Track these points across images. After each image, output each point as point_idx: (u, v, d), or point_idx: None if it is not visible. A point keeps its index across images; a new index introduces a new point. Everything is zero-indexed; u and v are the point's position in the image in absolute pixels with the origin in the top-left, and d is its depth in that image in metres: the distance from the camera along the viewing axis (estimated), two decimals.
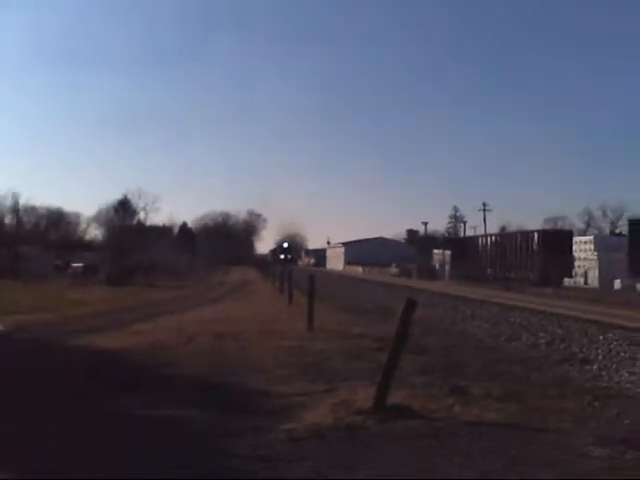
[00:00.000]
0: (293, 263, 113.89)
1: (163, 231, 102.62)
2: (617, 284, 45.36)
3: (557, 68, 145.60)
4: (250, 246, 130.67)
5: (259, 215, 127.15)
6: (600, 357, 10.34)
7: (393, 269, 74.14)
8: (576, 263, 51.70)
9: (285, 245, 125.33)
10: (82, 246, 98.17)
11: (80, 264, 65.71)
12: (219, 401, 8.50)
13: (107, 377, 10.16)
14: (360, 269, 77.37)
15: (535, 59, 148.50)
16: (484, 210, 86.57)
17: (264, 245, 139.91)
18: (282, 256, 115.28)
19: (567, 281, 47.64)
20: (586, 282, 52.03)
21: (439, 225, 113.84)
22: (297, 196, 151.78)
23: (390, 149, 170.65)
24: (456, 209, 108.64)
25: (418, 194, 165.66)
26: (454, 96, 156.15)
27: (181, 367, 10.89)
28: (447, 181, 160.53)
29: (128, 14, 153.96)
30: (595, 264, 53.31)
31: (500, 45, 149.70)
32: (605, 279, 48.80)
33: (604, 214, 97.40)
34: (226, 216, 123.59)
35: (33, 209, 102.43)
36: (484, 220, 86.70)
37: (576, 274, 51.40)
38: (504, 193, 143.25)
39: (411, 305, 7.56)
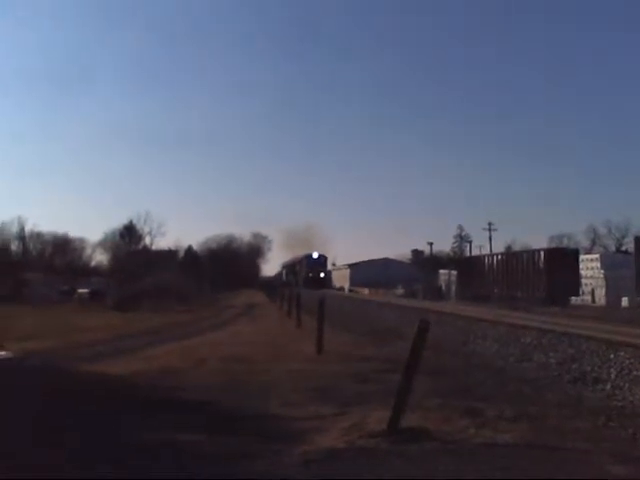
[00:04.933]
0: (323, 284, 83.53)
1: (169, 255, 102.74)
2: (624, 302, 45.17)
3: (556, 86, 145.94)
4: (256, 268, 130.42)
5: (264, 237, 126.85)
6: (613, 376, 10.31)
7: (399, 290, 74.03)
8: (583, 281, 51.53)
9: (315, 255, 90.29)
10: (88, 272, 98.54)
11: (86, 290, 65.85)
12: (232, 425, 8.50)
13: (118, 402, 10.16)
14: (366, 290, 77.31)
15: (533, 79, 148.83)
16: (489, 229, 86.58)
17: (270, 267, 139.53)
18: (310, 274, 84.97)
19: (574, 299, 47.44)
20: (593, 300, 51.81)
21: (444, 245, 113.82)
22: (301, 217, 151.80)
23: (394, 169, 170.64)
24: (461, 228, 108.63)
25: (423, 214, 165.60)
26: (459, 114, 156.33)
27: (192, 391, 10.88)
28: (452, 201, 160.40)
29: (135, 33, 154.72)
30: (602, 282, 53.10)
31: (503, 63, 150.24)
32: (612, 297, 48.60)
33: (609, 231, 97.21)
34: (231, 238, 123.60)
35: (39, 235, 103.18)
36: (490, 239, 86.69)
37: (583, 292, 51.21)
38: (508, 212, 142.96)
39: (424, 327, 7.54)
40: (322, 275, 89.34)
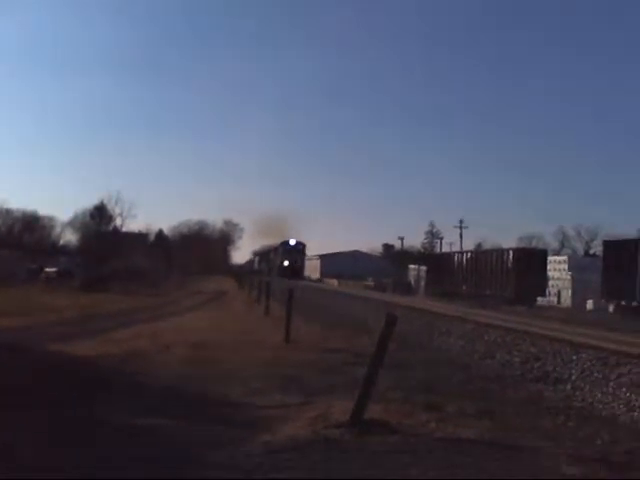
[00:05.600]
0: (300, 273, 78.56)
1: (139, 238, 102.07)
2: (590, 304, 45.80)
3: (539, 88, 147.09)
4: (226, 255, 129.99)
5: (236, 224, 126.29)
6: (574, 377, 10.49)
7: (368, 282, 74.27)
8: (550, 282, 52.14)
9: (292, 242, 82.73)
10: (56, 251, 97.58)
11: (54, 269, 65.21)
12: (196, 411, 8.53)
13: (82, 384, 10.14)
14: (336, 282, 77.37)
15: (514, 85, 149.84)
16: (460, 227, 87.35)
17: (240, 255, 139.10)
18: (286, 262, 79.21)
19: (540, 300, 47.99)
20: (559, 302, 52.49)
21: (415, 240, 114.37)
22: (274, 208, 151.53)
23: (368, 163, 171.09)
24: (432, 225, 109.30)
25: (395, 209, 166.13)
26: (433, 110, 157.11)
27: (157, 375, 10.89)
28: (424, 197, 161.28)
29: (109, 13, 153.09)
30: (568, 284, 53.84)
31: (480, 58, 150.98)
32: (578, 299, 49.27)
33: (578, 234, 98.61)
34: (202, 224, 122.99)
35: (8, 212, 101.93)
36: (460, 237, 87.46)
37: (549, 293, 51.84)
38: (480, 211, 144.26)
39: (391, 321, 7.61)
40: (299, 264, 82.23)
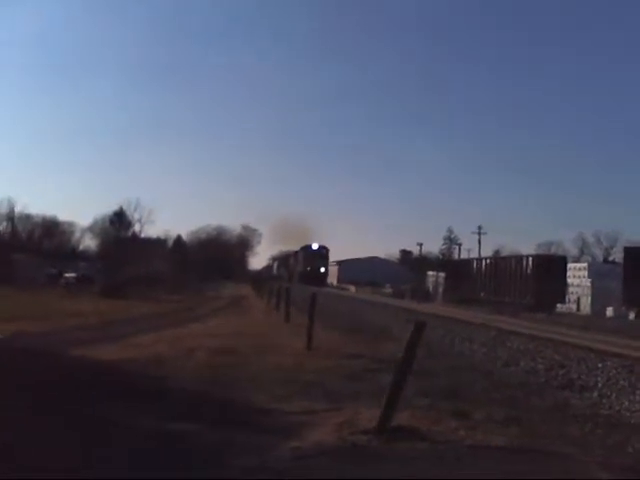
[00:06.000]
0: (323, 280, 71.93)
1: (157, 244, 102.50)
2: (609, 312, 45.50)
3: (553, 95, 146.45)
4: (244, 261, 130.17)
5: (254, 230, 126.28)
6: (600, 385, 10.44)
7: (387, 289, 74.15)
8: (569, 289, 51.86)
9: (315, 246, 77.24)
10: (76, 256, 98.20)
11: (73, 274, 65.62)
12: (222, 416, 8.55)
13: (108, 388, 10.19)
14: (353, 288, 77.01)
15: (530, 91, 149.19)
16: (479, 233, 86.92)
17: (258, 260, 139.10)
18: (309, 268, 73.81)
19: (560, 307, 47.73)
20: (578, 309, 52.17)
21: (433, 247, 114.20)
22: (292, 213, 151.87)
23: (387, 169, 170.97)
24: (451, 231, 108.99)
25: (413, 215, 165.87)
26: (457, 119, 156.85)
27: (182, 380, 10.92)
28: (443, 203, 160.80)
29: (136, 22, 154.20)
30: (588, 291, 53.50)
31: (496, 66, 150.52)
32: (597, 306, 48.97)
33: (598, 241, 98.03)
34: (221, 230, 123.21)
35: (28, 217, 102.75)
36: (479, 243, 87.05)
37: (569, 300, 51.54)
38: (499, 217, 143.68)
39: (419, 327, 7.62)
40: (322, 270, 77.18)
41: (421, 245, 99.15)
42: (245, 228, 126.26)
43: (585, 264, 63.02)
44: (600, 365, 11.37)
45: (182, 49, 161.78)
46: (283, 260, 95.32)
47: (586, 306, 52.22)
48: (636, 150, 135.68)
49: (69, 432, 7.11)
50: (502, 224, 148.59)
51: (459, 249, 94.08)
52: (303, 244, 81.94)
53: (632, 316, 38.41)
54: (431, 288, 71.39)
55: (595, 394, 10.15)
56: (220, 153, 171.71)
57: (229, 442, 7.12)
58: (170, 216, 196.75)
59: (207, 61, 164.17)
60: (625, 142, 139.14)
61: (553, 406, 9.53)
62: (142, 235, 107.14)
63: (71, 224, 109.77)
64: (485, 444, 6.91)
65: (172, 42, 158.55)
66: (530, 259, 48.40)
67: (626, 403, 9.34)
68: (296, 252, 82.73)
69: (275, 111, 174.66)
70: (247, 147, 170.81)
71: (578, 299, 53.38)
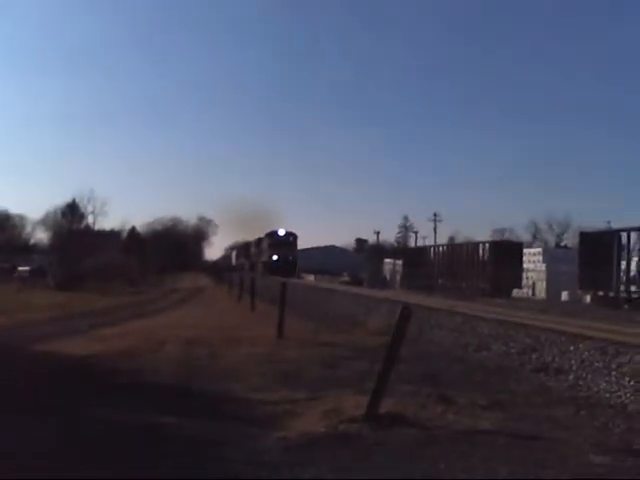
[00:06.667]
0: (292, 269, 66.48)
1: (112, 235, 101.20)
2: (564, 295, 46.23)
3: (510, 81, 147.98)
4: (200, 252, 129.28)
5: (210, 220, 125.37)
6: (574, 367, 10.54)
7: (344, 277, 74.27)
8: (524, 274, 52.55)
9: (281, 232, 70.50)
10: (28, 249, 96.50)
11: (27, 268, 64.46)
12: (202, 408, 8.44)
13: (81, 383, 10.00)
14: (312, 277, 77.09)
15: (486, 70, 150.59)
16: (435, 220, 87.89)
17: (214, 251, 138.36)
18: (275, 257, 67.26)
19: (516, 292, 48.37)
20: (533, 293, 52.92)
21: (388, 235, 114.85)
22: (247, 202, 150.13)
23: (342, 158, 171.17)
24: (406, 219, 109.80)
25: (368, 204, 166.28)
26: (408, 106, 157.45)
27: (156, 374, 10.78)
28: (397, 191, 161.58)
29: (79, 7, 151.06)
30: (543, 276, 54.28)
31: (458, 58, 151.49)
32: (552, 290, 49.75)
33: (550, 226, 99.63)
34: (176, 221, 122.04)
35: None
36: (434, 230, 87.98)
37: (524, 285, 52.24)
38: (452, 204, 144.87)
39: (406, 314, 7.59)
40: (290, 258, 69.62)
41: (378, 233, 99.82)
42: (200, 219, 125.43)
43: (540, 249, 63.99)
44: (572, 348, 11.46)
45: (131, 32, 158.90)
46: (243, 249, 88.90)
47: (541, 290, 52.97)
48: (586, 139, 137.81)
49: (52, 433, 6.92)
50: (456, 211, 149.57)
51: (416, 236, 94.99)
52: (259, 234, 77.15)
53: (588, 299, 39.07)
54: (388, 276, 71.70)
55: (571, 377, 10.25)
56: (174, 142, 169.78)
57: (213, 434, 7.02)
58: (124, 208, 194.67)
59: (159, 45, 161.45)
60: (576, 132, 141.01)
61: (532, 390, 9.61)
62: (96, 227, 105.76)
63: (22, 217, 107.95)
64: (475, 429, 6.92)
65: (114, 25, 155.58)
66: (487, 245, 48.89)
67: (603, 384, 9.45)
68: (259, 240, 75.94)
69: (229, 99, 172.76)
70: (201, 136, 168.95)
71: (533, 284, 54.12)
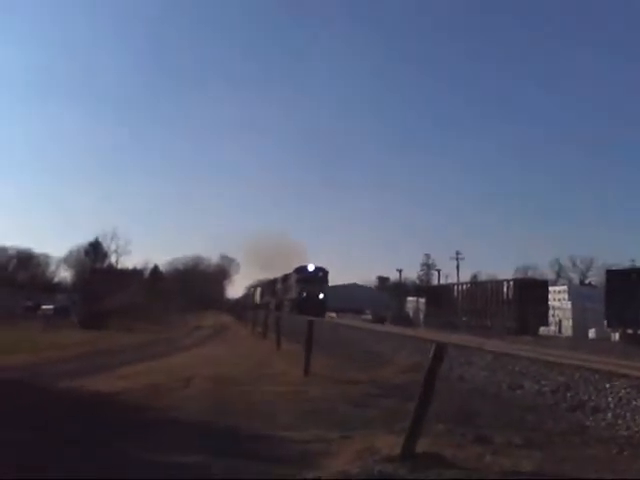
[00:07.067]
0: (323, 307, 61.08)
1: (134, 274, 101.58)
2: (592, 333, 45.69)
3: (523, 113, 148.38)
4: (222, 290, 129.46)
5: (232, 259, 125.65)
6: (612, 405, 10.29)
7: (367, 315, 73.88)
8: (550, 312, 52.03)
9: (311, 268, 65.93)
10: (51, 288, 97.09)
11: (51, 306, 64.74)
12: (231, 447, 8.26)
13: (107, 422, 9.87)
14: (334, 314, 76.66)
15: (492, 111, 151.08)
16: (457, 258, 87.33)
17: (235, 289, 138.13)
18: (304, 294, 62.48)
19: (542, 330, 47.85)
20: (560, 331, 52.33)
21: (409, 273, 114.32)
22: (268, 240, 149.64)
23: (362, 195, 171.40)
24: (428, 257, 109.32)
25: (389, 241, 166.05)
26: (426, 145, 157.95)
27: (183, 411, 10.61)
28: (418, 230, 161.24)
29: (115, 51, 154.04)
30: (569, 313, 53.76)
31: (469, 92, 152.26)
32: (578, 328, 49.20)
33: (573, 264, 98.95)
34: (198, 260, 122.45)
35: (2, 249, 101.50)
36: (457, 268, 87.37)
37: (551, 323, 51.71)
38: (474, 242, 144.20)
39: (440, 352, 7.43)
40: (321, 296, 64.55)
41: (400, 271, 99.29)
42: (223, 257, 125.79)
43: (565, 287, 63.38)
44: (608, 386, 11.21)
45: (160, 80, 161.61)
46: (269, 286, 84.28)
47: (567, 328, 52.42)
48: (608, 177, 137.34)
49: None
50: (478, 250, 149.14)
51: (439, 274, 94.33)
52: (282, 272, 74.13)
53: (616, 337, 38.51)
54: (411, 313, 71.27)
55: (609, 415, 9.99)
56: (196, 182, 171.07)
57: (243, 474, 6.86)
58: (146, 247, 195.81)
59: (189, 92, 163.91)
60: (604, 170, 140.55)
61: (569, 429, 9.35)
62: (118, 266, 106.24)
63: (46, 256, 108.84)
64: (514, 470, 6.70)
65: (148, 73, 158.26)
66: (512, 283, 48.54)
67: None
68: (286, 276, 71.56)
69: (246, 145, 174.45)
70: (222, 175, 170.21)
71: (559, 321, 53.57)
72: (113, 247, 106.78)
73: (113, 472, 6.76)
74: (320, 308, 59.17)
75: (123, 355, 22.97)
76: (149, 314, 58.07)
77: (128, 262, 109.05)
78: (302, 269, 66.90)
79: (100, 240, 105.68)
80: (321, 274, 67.36)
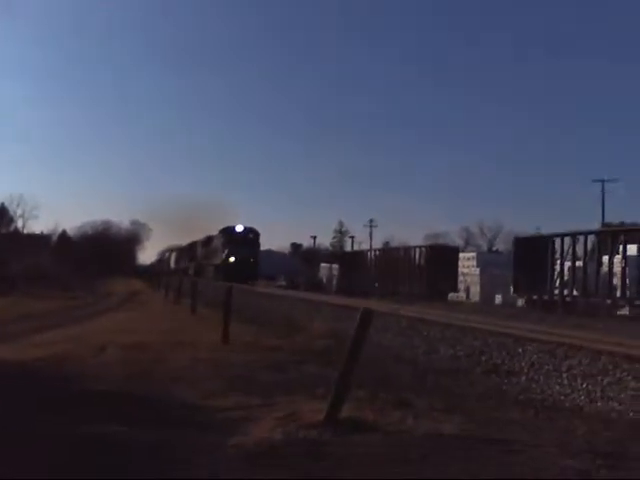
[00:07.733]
0: (250, 275, 53.80)
1: (42, 239, 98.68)
2: (498, 299, 47.08)
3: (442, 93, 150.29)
4: (133, 256, 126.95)
5: (143, 224, 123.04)
6: (525, 369, 10.60)
7: (281, 282, 74.13)
8: (459, 278, 53.31)
9: (239, 228, 58.62)
10: None
11: None
12: (151, 416, 8.10)
13: (19, 391, 9.53)
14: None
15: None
16: (370, 226, 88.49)
17: (147, 255, 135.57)
18: (232, 258, 56.01)
19: (451, 295, 49.04)
20: (468, 297, 53.72)
21: (323, 240, 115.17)
22: (181, 206, 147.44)
23: (276, 162, 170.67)
24: (341, 224, 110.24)
25: (303, 208, 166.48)
26: (347, 112, 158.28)
27: (99, 380, 10.34)
28: (333, 196, 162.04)
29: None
30: (477, 279, 55.16)
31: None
32: (486, 294, 50.62)
33: (481, 232, 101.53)
34: (108, 224, 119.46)
35: None
36: (370, 235, 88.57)
37: (460, 289, 53.00)
38: (387, 209, 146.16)
39: (366, 317, 7.43)
40: (252, 260, 57.65)
41: (315, 237, 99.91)
42: (134, 222, 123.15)
43: (473, 254, 64.74)
44: (520, 350, 11.56)
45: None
46: (186, 251, 77.88)
47: (475, 294, 53.82)
48: (514, 148, 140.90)
49: None
50: (390, 216, 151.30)
51: (352, 241, 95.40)
52: (192, 238, 67.90)
53: (521, 303, 39.82)
54: (325, 279, 71.84)
55: (523, 379, 10.30)
56: (108, 146, 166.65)
57: (166, 442, 6.73)
58: (55, 212, 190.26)
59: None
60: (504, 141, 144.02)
61: (486, 392, 9.59)
62: (25, 231, 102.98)
63: None
64: (437, 433, 6.81)
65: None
66: (424, 249, 49.48)
67: (557, 387, 9.50)
68: (208, 238, 63.77)
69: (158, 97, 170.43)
70: (134, 140, 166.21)
71: (468, 287, 54.94)
72: (20, 212, 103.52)
73: (27, 446, 6.49)
74: (251, 274, 54.96)
75: (33, 322, 22.18)
76: (58, 280, 56.48)
77: (35, 227, 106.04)
78: (229, 230, 59.79)
79: (6, 205, 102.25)
80: (252, 235, 60.96)
